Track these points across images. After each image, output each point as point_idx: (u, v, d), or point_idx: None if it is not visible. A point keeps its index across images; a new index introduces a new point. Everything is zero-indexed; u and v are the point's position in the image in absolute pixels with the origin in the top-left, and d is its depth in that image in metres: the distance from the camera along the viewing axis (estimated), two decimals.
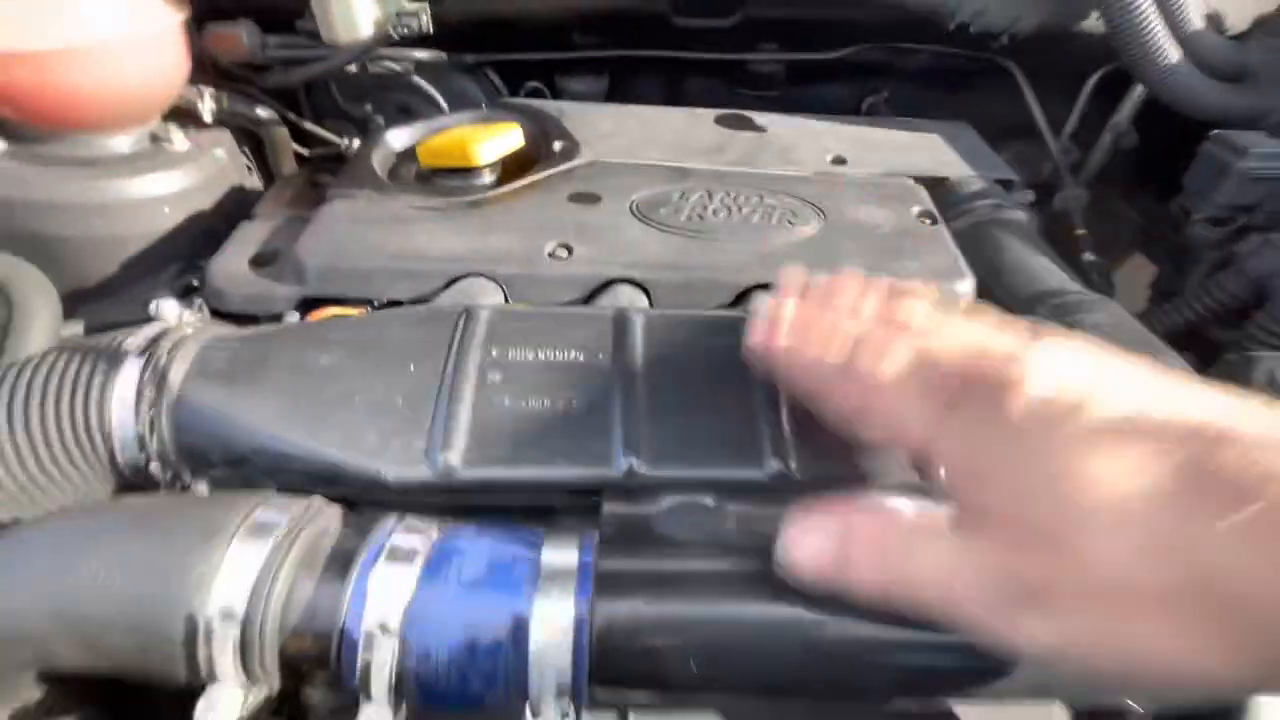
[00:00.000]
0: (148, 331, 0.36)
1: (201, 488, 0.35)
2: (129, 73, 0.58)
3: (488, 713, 0.27)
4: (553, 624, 0.26)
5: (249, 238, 0.54)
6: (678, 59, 0.83)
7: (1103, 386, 0.23)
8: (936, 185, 0.63)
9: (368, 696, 0.26)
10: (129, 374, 0.34)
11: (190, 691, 0.26)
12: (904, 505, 0.27)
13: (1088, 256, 0.73)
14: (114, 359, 0.34)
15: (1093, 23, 0.70)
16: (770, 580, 0.28)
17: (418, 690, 0.26)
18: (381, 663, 0.26)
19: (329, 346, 0.36)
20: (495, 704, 0.27)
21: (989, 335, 0.27)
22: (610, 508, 0.33)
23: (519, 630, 0.26)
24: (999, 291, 0.53)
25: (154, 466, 0.34)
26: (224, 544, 0.27)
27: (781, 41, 0.82)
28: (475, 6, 0.72)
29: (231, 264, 0.51)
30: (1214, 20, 0.70)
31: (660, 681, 0.27)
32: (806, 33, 0.79)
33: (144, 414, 0.33)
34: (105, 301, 0.64)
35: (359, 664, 0.26)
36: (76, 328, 0.54)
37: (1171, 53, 0.63)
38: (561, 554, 0.28)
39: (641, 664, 0.27)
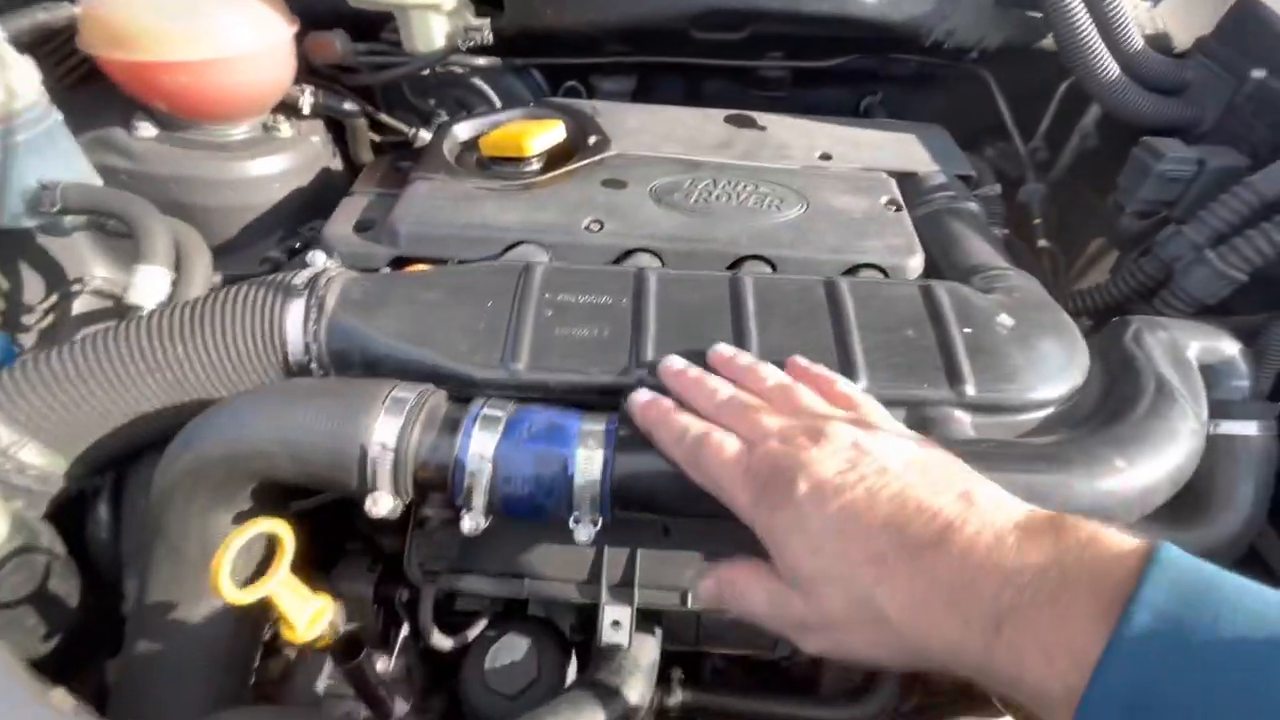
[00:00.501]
0: (307, 272, 0.51)
1: None
2: (256, 76, 0.73)
3: (546, 519, 0.42)
4: (588, 465, 0.41)
5: (351, 209, 0.69)
6: (697, 65, 0.95)
7: (860, 476, 0.34)
8: (906, 178, 0.76)
9: (468, 508, 0.41)
10: (298, 302, 0.49)
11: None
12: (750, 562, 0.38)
13: (1042, 243, 0.85)
14: (288, 291, 0.49)
15: (1051, 41, 0.81)
16: None
17: (502, 502, 0.41)
18: (481, 482, 0.40)
19: (432, 287, 0.51)
20: (551, 513, 0.41)
21: (790, 429, 0.37)
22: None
23: (568, 467, 0.41)
24: (945, 266, 0.66)
25: (314, 366, 0.49)
26: (379, 404, 0.42)
27: (786, 50, 0.94)
28: (526, 21, 0.85)
29: (341, 229, 0.66)
30: (1160, 39, 0.81)
31: (656, 505, 0.42)
32: (807, 44, 0.92)
33: (309, 329, 0.48)
34: (229, 258, 0.80)
35: (466, 484, 0.41)
36: (217, 277, 0.70)
37: (1112, 69, 0.74)
38: (595, 424, 0.43)
39: (643, 492, 0.41)
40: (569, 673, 0.58)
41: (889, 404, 0.47)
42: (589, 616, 0.52)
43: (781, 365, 0.47)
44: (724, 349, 0.47)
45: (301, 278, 0.50)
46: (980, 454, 0.42)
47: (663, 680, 0.67)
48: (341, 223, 0.67)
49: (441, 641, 0.51)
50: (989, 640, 0.28)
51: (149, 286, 0.57)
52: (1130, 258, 0.77)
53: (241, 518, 0.45)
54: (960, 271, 0.65)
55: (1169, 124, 0.76)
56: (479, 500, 0.41)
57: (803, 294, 0.53)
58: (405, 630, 0.61)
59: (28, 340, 0.72)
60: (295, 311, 0.48)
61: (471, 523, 0.41)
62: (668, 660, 0.69)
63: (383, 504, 0.40)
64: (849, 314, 0.51)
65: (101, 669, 0.49)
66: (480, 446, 0.41)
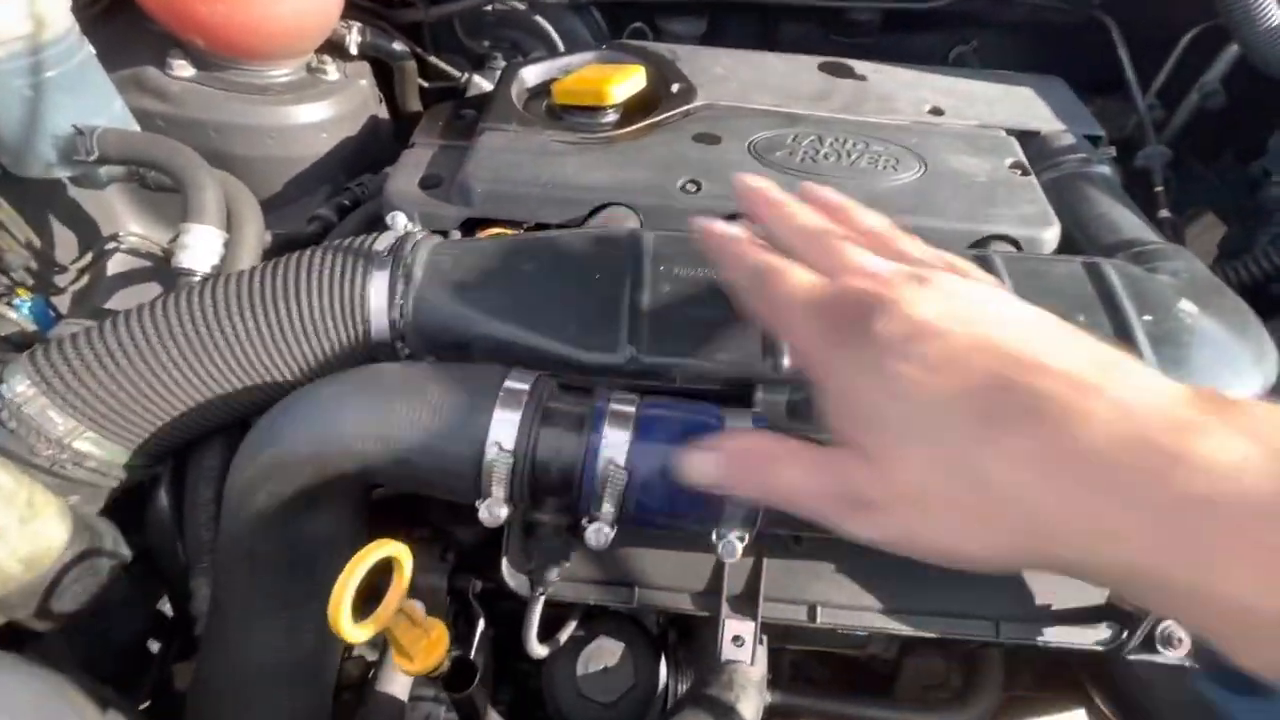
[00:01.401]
0: (389, 236, 0.44)
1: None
2: (303, 6, 0.64)
3: (683, 530, 0.36)
4: None
5: (414, 162, 0.62)
6: (773, 3, 0.86)
7: (965, 322, 0.26)
8: (1028, 138, 0.68)
9: (597, 516, 0.36)
10: (382, 272, 0.42)
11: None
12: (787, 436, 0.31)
13: (1163, 213, 0.77)
14: (370, 258, 0.42)
15: None
16: None
17: (638, 509, 0.35)
18: (615, 489, 0.35)
19: (530, 257, 0.45)
20: (691, 525, 0.36)
21: (887, 271, 0.29)
22: (761, 395, 0.41)
23: None
24: (1082, 240, 0.59)
25: (399, 344, 0.43)
26: (493, 399, 0.36)
27: None
28: None
29: (405, 185, 0.59)
30: None
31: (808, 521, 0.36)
32: None
33: (396, 304, 0.42)
34: (271, 215, 0.73)
35: (595, 490, 0.35)
36: (267, 237, 0.63)
37: (1275, 14, 0.65)
38: (740, 422, 0.37)
39: None
40: (661, 674, 0.54)
41: None
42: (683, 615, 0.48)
43: None
44: (814, 186, 0.38)
45: (384, 243, 0.43)
46: None
47: None
48: (406, 179, 0.60)
49: (542, 651, 0.46)
50: (1161, 533, 0.21)
51: (201, 248, 0.51)
52: (1269, 233, 0.69)
53: (329, 522, 0.39)
54: (1102, 247, 0.57)
55: None
56: (608, 509, 0.35)
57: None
58: (482, 624, 0.57)
59: (61, 303, 0.66)
60: (379, 283, 0.42)
61: (598, 535, 0.35)
62: None
63: (499, 512, 0.35)
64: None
65: (165, 668, 0.45)
66: (613, 449, 0.35)
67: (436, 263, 0.44)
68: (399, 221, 0.45)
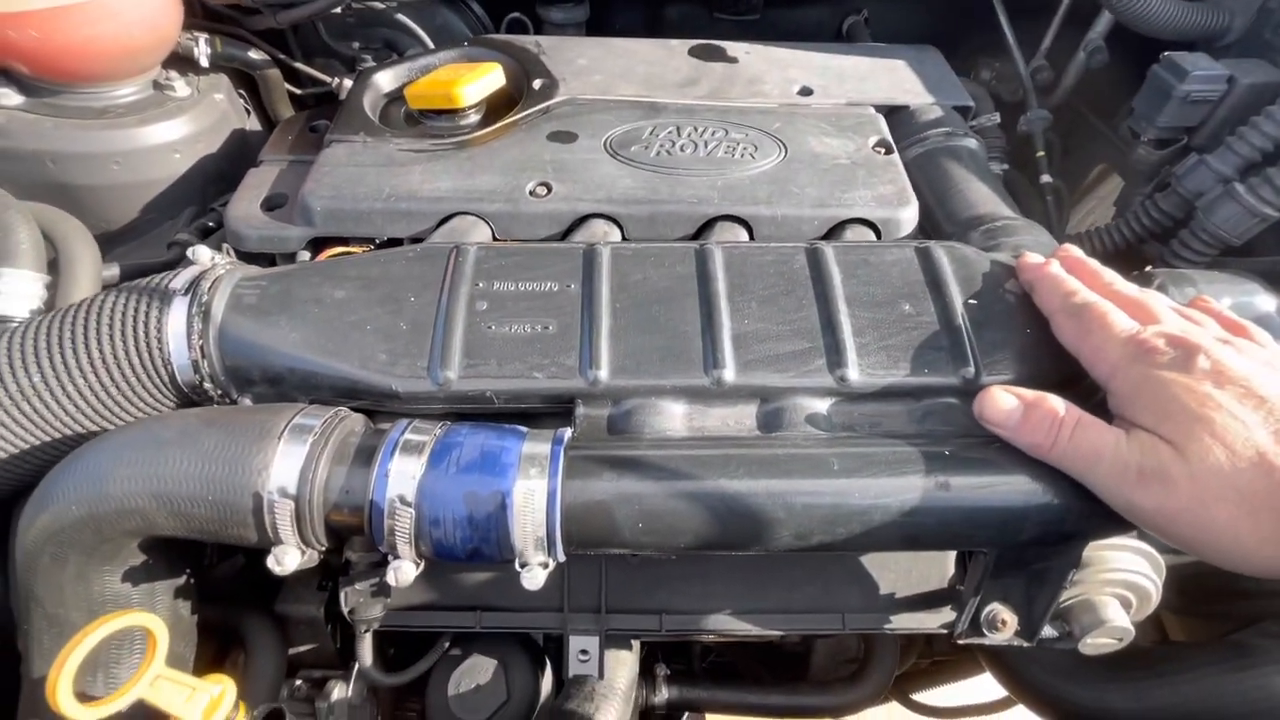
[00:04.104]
0: (187, 274, 0.42)
1: (246, 402, 0.42)
2: (129, 21, 0.61)
3: (487, 563, 0.35)
4: (529, 497, 0.34)
5: (258, 183, 0.60)
6: None
7: (1260, 378, 0.33)
8: (897, 113, 0.67)
9: (395, 554, 0.35)
10: (179, 310, 0.40)
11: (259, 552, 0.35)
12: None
13: (1045, 178, 0.76)
14: (165, 297, 0.40)
15: None
16: (702, 461, 0.36)
17: (431, 548, 0.35)
18: (403, 528, 0.34)
19: (341, 282, 0.43)
20: (491, 557, 0.35)
21: (1195, 330, 0.37)
22: (580, 411, 0.40)
23: (505, 502, 0.34)
24: (940, 216, 0.58)
25: (207, 385, 0.41)
26: (275, 440, 0.34)
27: None
28: None
29: (245, 209, 0.57)
30: None
31: (617, 539, 0.35)
32: None
33: (195, 343, 0.40)
34: (130, 244, 0.70)
35: (385, 529, 0.34)
36: (112, 270, 0.61)
37: None
38: (538, 445, 0.36)
39: (600, 526, 0.35)
40: (544, 684, 0.54)
41: (886, 395, 0.41)
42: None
43: (757, 356, 0.40)
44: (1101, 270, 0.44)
45: (180, 280, 0.41)
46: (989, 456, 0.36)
47: (647, 675, 0.63)
48: (247, 200, 0.58)
49: (389, 681, 0.46)
50: None
51: (15, 294, 0.48)
52: (1142, 193, 0.69)
53: (134, 574, 0.38)
54: (959, 223, 0.57)
55: (1191, 35, 0.67)
56: (404, 548, 0.34)
57: (781, 265, 0.45)
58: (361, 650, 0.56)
59: None
60: (176, 321, 0.40)
61: (398, 575, 0.35)
62: (652, 655, 0.65)
63: (289, 560, 0.34)
64: (835, 287, 0.44)
65: None
66: (400, 485, 0.34)
67: (240, 296, 0.42)
68: (202, 255, 0.43)
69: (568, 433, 0.37)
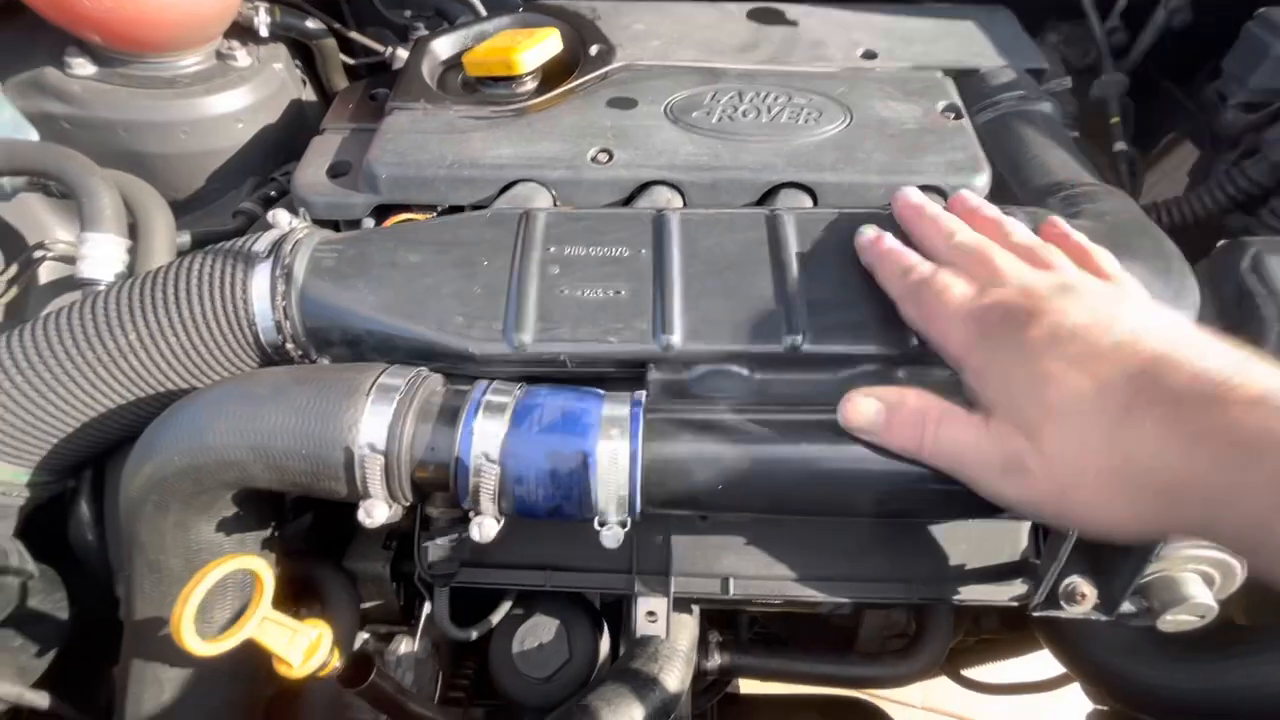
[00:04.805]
0: (268, 237, 0.43)
1: (325, 362, 0.43)
2: None
3: (566, 521, 0.36)
4: (612, 457, 0.34)
5: (323, 150, 0.60)
6: None
7: (1102, 325, 0.30)
8: (966, 77, 0.64)
9: (478, 510, 0.36)
10: (262, 273, 0.41)
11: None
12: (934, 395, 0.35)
13: (1119, 146, 0.73)
14: (249, 260, 0.41)
15: None
16: (780, 425, 0.36)
17: (514, 504, 0.35)
18: (488, 484, 0.34)
19: (415, 246, 0.43)
20: (571, 514, 0.36)
21: (1038, 280, 0.34)
22: (653, 375, 0.40)
23: (587, 461, 0.34)
24: (1015, 184, 0.56)
25: (289, 346, 0.42)
26: (363, 398, 0.35)
27: None
28: None
29: (312, 176, 0.58)
30: None
31: (693, 500, 0.36)
32: None
33: (278, 304, 0.41)
34: (196, 214, 0.72)
35: (470, 486, 0.35)
36: (184, 237, 0.63)
37: None
38: (617, 407, 0.36)
39: (679, 486, 0.35)
40: (602, 646, 0.55)
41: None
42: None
43: (831, 323, 0.39)
44: (969, 196, 0.43)
45: (263, 243, 0.42)
46: None
47: (700, 642, 0.64)
48: (313, 168, 0.59)
49: (462, 635, 0.47)
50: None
51: (101, 257, 0.50)
52: (1227, 161, 0.66)
53: (227, 524, 0.40)
54: (1035, 190, 0.55)
55: None
56: (487, 504, 0.35)
57: (856, 229, 0.44)
58: (427, 608, 0.58)
59: None
60: (260, 284, 0.41)
61: (480, 530, 0.35)
62: (703, 623, 0.66)
63: (378, 513, 0.35)
64: None
65: (109, 677, 0.46)
66: (484, 442, 0.35)
67: (319, 259, 0.43)
68: (281, 219, 0.44)
69: (644, 395, 0.37)
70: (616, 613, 0.57)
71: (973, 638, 0.82)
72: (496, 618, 0.50)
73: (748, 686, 0.90)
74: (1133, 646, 0.54)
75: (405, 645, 0.56)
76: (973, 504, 0.35)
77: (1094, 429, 0.29)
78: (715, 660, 0.62)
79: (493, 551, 0.45)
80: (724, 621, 0.72)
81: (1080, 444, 0.29)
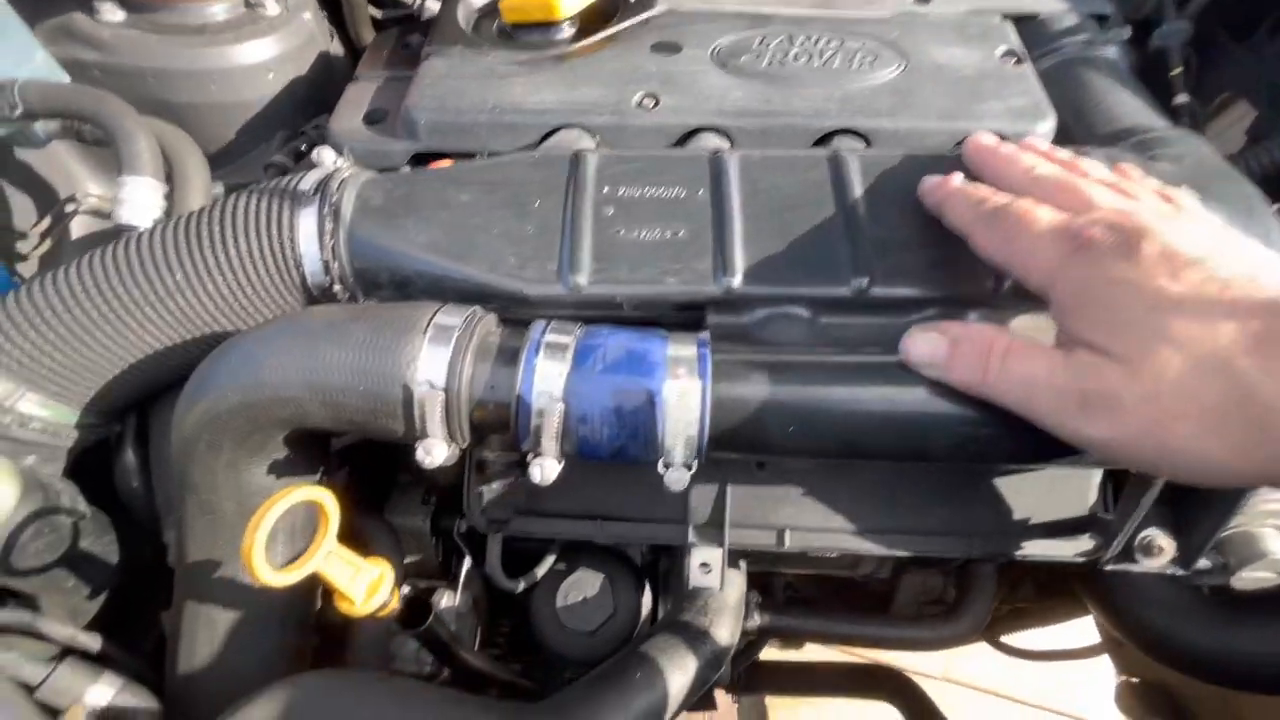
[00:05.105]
0: (314, 175, 0.42)
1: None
2: None
3: (628, 462, 0.35)
4: (681, 399, 0.33)
5: (358, 98, 0.59)
6: None
7: (1216, 256, 0.28)
8: (1026, 22, 0.61)
9: (538, 451, 0.35)
10: (310, 212, 0.40)
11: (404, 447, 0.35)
12: (1008, 326, 0.33)
13: (1181, 98, 0.70)
14: (295, 199, 0.40)
15: None
16: (848, 368, 0.34)
17: (577, 444, 0.34)
18: (551, 423, 0.33)
19: (464, 186, 0.42)
20: (635, 456, 0.35)
21: (1135, 205, 0.32)
22: (712, 319, 0.39)
23: (654, 400, 0.33)
24: (1079, 132, 0.54)
25: (336, 288, 0.41)
26: (420, 334, 0.34)
27: None
28: None
29: (348, 123, 0.56)
30: None
31: (762, 443, 0.34)
32: None
33: (326, 244, 0.40)
34: (226, 168, 0.70)
35: (532, 425, 0.34)
36: (217, 189, 0.61)
37: None
38: (683, 346, 0.35)
39: (749, 428, 0.34)
40: (644, 601, 0.55)
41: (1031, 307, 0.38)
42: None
43: (899, 265, 0.38)
44: (1038, 142, 0.41)
45: (309, 181, 0.41)
46: None
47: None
48: (348, 115, 0.57)
49: (510, 585, 0.46)
50: None
51: (139, 202, 0.49)
52: None
53: (278, 467, 0.39)
54: (1102, 138, 0.52)
55: None
56: (549, 445, 0.34)
57: (924, 171, 0.42)
58: (468, 562, 0.58)
59: (28, 270, 0.66)
60: (307, 223, 0.40)
61: (541, 471, 0.34)
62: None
63: (437, 453, 0.34)
64: None
65: (157, 622, 0.46)
66: (547, 381, 0.34)
67: (367, 198, 0.41)
68: (326, 158, 0.42)
69: (708, 335, 0.36)
70: (653, 569, 0.57)
71: (1007, 606, 0.82)
72: (542, 570, 0.50)
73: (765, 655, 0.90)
74: (1187, 609, 0.53)
75: (446, 599, 0.56)
76: (1051, 446, 0.33)
77: (1214, 358, 0.27)
78: (755, 620, 0.62)
79: (543, 500, 0.44)
80: (758, 584, 0.72)
81: (1197, 373, 0.27)
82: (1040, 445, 0.33)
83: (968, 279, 0.38)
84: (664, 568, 0.57)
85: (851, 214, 0.40)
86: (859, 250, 0.39)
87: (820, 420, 0.34)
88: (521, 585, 0.49)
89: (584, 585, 0.52)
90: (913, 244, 0.39)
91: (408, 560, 0.58)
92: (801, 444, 0.34)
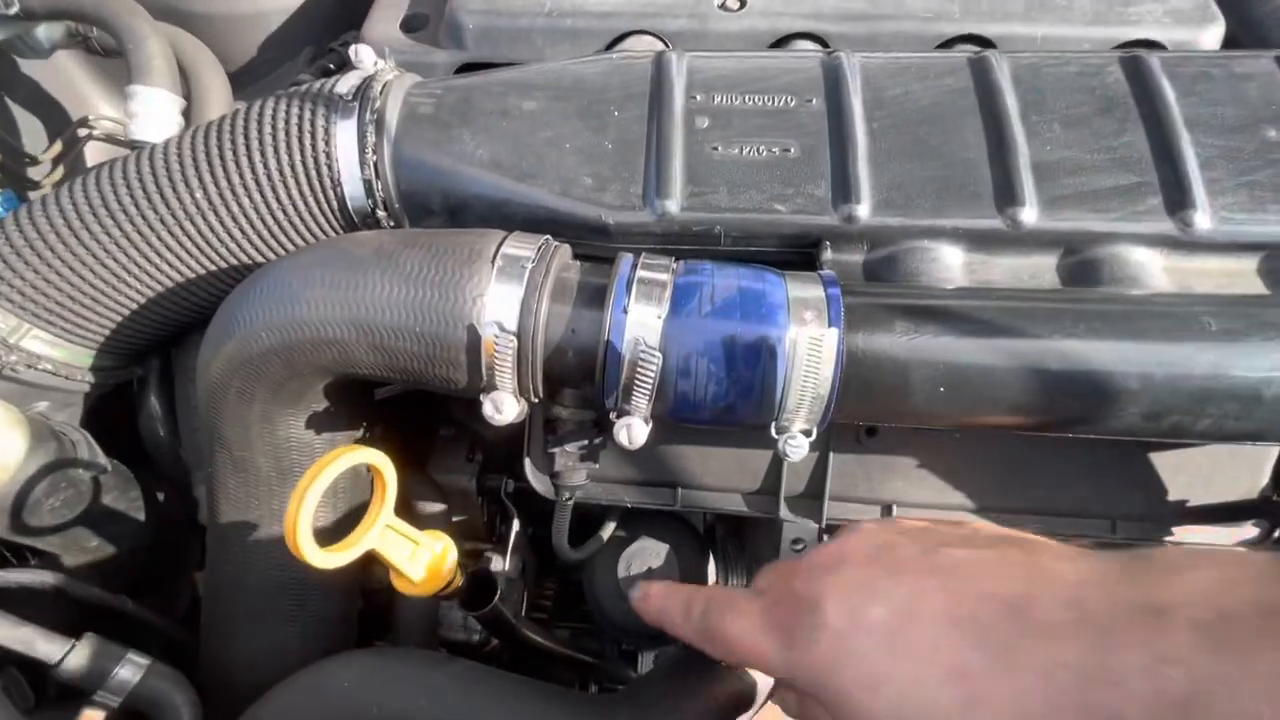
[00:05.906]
0: (352, 78, 0.35)
1: None
2: None
3: (733, 425, 0.29)
4: (811, 346, 0.27)
5: (395, 2, 0.51)
6: None
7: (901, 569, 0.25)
8: None
9: (626, 409, 0.29)
10: (349, 119, 0.34)
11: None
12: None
13: None
14: (331, 104, 0.34)
15: None
16: (1023, 314, 0.27)
17: (674, 402, 0.28)
18: (646, 377, 0.27)
19: (529, 91, 0.35)
20: (744, 417, 0.29)
21: (809, 568, 0.27)
22: (828, 255, 0.32)
23: (775, 351, 0.27)
24: (1248, 41, 0.45)
25: (380, 214, 0.35)
26: (487, 266, 0.28)
27: None
28: None
29: (384, 30, 0.49)
30: None
31: (903, 405, 0.28)
32: None
33: (368, 160, 0.34)
34: (249, 89, 0.64)
35: (623, 378, 0.28)
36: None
37: None
38: (807, 287, 0.28)
39: (889, 387, 0.28)
40: (710, 573, 0.50)
41: (1243, 248, 0.31)
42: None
43: (1065, 191, 0.31)
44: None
45: (347, 84, 0.35)
46: None
47: None
48: (384, 21, 0.50)
49: (576, 556, 0.42)
50: None
51: (153, 115, 0.43)
52: None
53: (318, 420, 0.34)
54: (1275, 45, 0.43)
55: None
56: (640, 402, 0.28)
57: (1088, 79, 0.35)
58: (517, 525, 0.53)
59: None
60: (346, 135, 0.34)
61: (629, 433, 0.29)
62: None
63: (508, 409, 0.28)
64: (1170, 107, 0.33)
65: (191, 583, 0.42)
66: (641, 326, 0.27)
67: (415, 105, 0.35)
68: (365, 58, 0.36)
69: (834, 274, 0.29)
70: (712, 535, 0.52)
71: None
72: (605, 535, 0.45)
73: None
74: None
75: (496, 563, 0.51)
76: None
77: None
78: None
79: (613, 464, 0.39)
80: None
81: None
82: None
83: (1148, 208, 0.31)
84: (721, 535, 0.52)
85: (1002, 128, 0.33)
86: (1013, 173, 0.32)
87: (982, 380, 0.27)
88: (581, 555, 0.44)
89: (647, 555, 0.47)
90: (1080, 166, 0.32)
91: (454, 521, 0.54)
92: (951, 409, 0.28)
